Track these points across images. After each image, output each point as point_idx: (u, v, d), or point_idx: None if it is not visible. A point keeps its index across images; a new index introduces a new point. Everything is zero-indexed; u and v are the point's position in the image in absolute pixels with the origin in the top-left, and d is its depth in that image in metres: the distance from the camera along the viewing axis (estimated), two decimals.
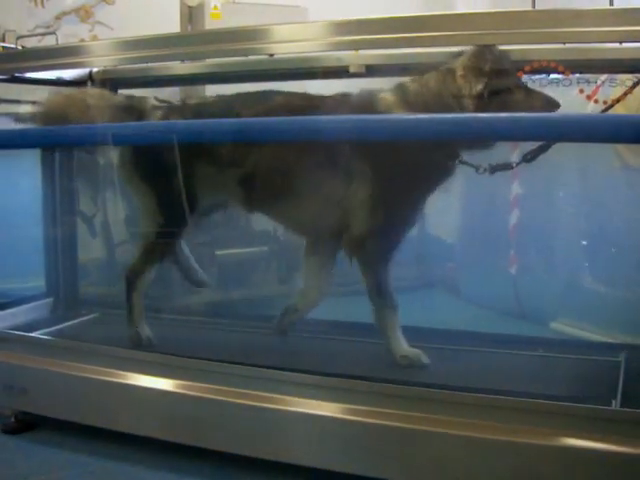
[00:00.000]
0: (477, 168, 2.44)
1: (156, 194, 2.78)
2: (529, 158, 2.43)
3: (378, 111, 2.43)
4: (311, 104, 2.57)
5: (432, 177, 2.51)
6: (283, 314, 2.88)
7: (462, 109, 2.31)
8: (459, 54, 2.35)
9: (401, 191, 2.50)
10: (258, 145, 2.59)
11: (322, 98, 2.59)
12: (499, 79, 2.30)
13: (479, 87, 2.29)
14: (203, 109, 2.75)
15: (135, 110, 2.81)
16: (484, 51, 2.28)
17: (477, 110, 2.29)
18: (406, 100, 2.43)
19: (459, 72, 2.33)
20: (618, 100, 2.37)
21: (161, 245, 2.84)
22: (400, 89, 2.48)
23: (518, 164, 2.45)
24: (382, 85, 2.55)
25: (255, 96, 2.68)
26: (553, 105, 2.35)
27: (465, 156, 2.45)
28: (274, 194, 2.68)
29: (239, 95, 2.74)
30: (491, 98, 2.29)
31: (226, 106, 2.72)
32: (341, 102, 2.55)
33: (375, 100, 2.48)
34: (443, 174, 2.50)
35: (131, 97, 2.99)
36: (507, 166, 2.45)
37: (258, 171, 2.64)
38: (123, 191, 3.10)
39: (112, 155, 2.85)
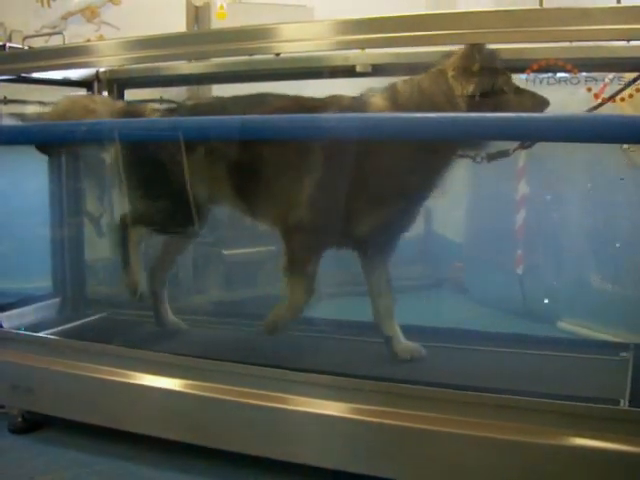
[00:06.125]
0: (474, 158, 2.43)
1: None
2: (527, 145, 2.43)
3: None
4: (303, 106, 2.57)
5: (383, 182, 2.47)
6: None
7: (455, 109, 2.29)
8: (449, 54, 2.34)
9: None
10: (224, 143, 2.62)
11: (314, 100, 2.58)
12: (490, 78, 2.28)
13: (470, 87, 2.27)
14: (199, 110, 2.75)
15: (134, 115, 2.84)
16: (473, 51, 2.26)
17: (469, 110, 2.27)
18: (398, 103, 2.40)
19: (450, 73, 2.32)
20: (608, 99, 2.37)
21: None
22: (390, 92, 2.45)
23: (515, 150, 2.45)
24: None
25: (250, 98, 2.68)
26: (543, 103, 2.34)
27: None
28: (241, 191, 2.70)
29: (235, 97, 2.75)
30: (482, 98, 2.27)
31: (222, 107, 2.73)
32: (333, 104, 2.52)
33: (367, 103, 2.46)
34: (393, 181, 2.47)
35: (131, 103, 3.08)
36: (504, 153, 2.44)
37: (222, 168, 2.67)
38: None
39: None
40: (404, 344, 2.70)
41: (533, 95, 2.36)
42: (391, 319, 2.71)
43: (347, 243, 2.64)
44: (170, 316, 3.10)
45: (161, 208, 2.79)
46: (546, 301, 4.09)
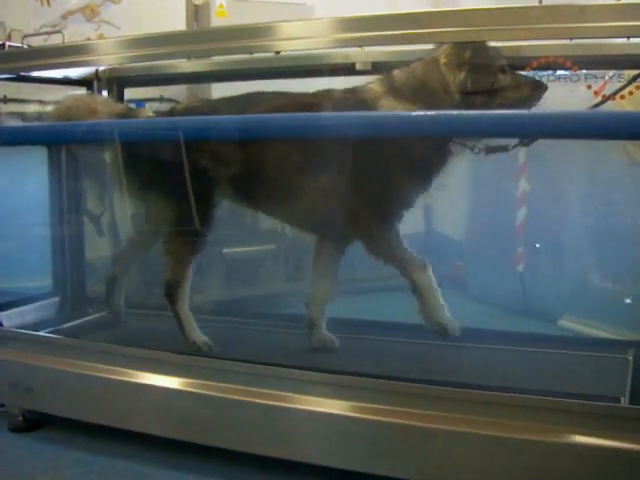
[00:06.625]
0: (472, 148, 2.44)
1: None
2: (526, 142, 2.43)
3: (366, 101, 2.46)
4: (296, 103, 2.59)
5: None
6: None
7: (448, 96, 2.34)
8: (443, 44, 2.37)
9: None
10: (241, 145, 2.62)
11: (306, 96, 2.61)
12: (482, 66, 2.31)
13: (462, 75, 2.31)
14: (189, 114, 2.74)
15: (133, 118, 2.86)
16: (465, 42, 2.30)
17: (462, 97, 2.31)
18: (394, 88, 2.45)
19: (442, 60, 2.36)
20: (608, 97, 2.37)
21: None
22: (387, 79, 2.50)
23: (515, 147, 2.45)
24: None
25: (241, 98, 2.69)
26: (540, 88, 2.36)
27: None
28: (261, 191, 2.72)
29: (225, 98, 2.77)
30: (475, 85, 2.31)
31: (212, 109, 2.74)
32: (327, 96, 2.56)
33: (363, 90, 2.51)
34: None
35: (130, 107, 3.11)
36: (503, 148, 2.45)
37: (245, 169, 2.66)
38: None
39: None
40: (322, 334, 2.80)
41: (529, 81, 2.38)
42: (322, 306, 2.81)
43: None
44: (120, 304, 3.19)
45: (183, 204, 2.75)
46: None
